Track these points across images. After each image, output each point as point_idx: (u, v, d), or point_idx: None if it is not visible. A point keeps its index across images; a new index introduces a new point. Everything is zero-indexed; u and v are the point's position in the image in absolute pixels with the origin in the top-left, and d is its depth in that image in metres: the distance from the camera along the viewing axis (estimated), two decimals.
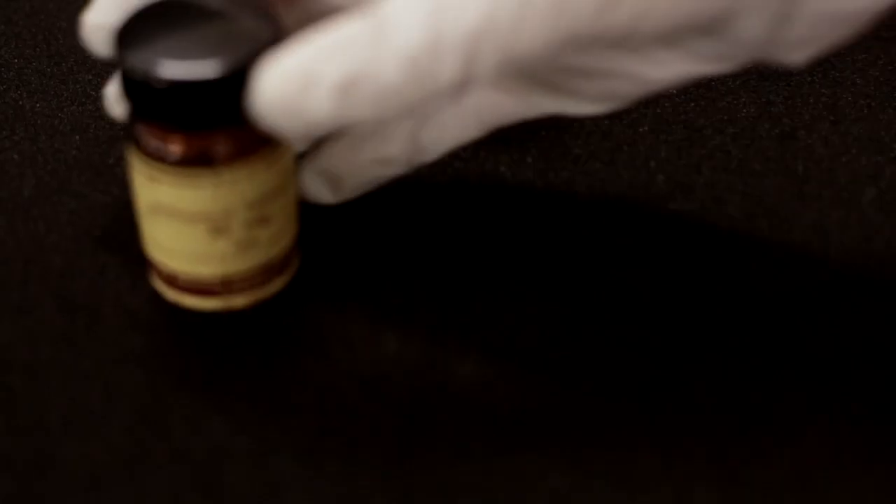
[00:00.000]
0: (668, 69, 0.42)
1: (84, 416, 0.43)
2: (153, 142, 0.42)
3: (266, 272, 0.46)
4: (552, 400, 0.43)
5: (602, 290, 0.47)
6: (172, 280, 0.46)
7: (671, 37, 0.40)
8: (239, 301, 0.46)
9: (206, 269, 0.45)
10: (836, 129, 0.54)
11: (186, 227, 0.43)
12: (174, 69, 0.40)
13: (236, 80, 0.40)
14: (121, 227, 0.50)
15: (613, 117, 0.54)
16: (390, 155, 0.48)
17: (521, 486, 0.41)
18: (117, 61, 0.41)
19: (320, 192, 0.49)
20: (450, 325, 0.46)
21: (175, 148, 0.42)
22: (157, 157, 0.42)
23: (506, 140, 0.53)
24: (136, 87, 0.40)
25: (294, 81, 0.37)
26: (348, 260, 0.49)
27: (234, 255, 0.44)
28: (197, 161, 0.42)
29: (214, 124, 0.41)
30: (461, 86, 0.37)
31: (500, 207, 0.51)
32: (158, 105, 0.40)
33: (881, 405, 0.43)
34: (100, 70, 0.59)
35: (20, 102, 0.56)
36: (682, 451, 0.41)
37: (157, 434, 0.43)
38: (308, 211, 0.51)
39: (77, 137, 0.55)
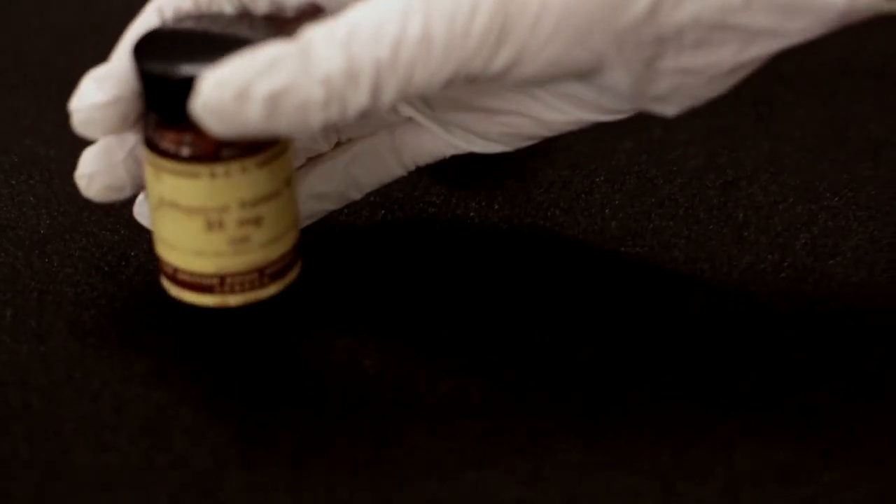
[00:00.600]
0: (561, 113, 0.50)
1: (94, 429, 0.49)
2: (165, 139, 0.47)
3: (261, 275, 0.49)
4: (517, 418, 0.49)
5: (561, 321, 0.53)
6: (174, 276, 0.50)
7: (551, 82, 0.47)
8: (233, 300, 0.49)
9: (202, 264, 0.48)
10: (776, 179, 0.60)
11: (185, 221, 0.48)
12: (186, 69, 0.45)
13: None
14: (127, 262, 0.56)
15: (574, 168, 0.60)
16: (326, 191, 0.54)
17: (488, 500, 0.46)
18: (137, 63, 0.46)
19: None
20: (424, 348, 0.51)
21: (183, 142, 0.47)
22: (165, 154, 0.47)
23: (475, 188, 0.59)
24: (154, 85, 0.46)
25: (229, 90, 0.43)
26: (332, 291, 0.54)
27: (229, 253, 0.48)
28: (199, 158, 0.47)
29: None
30: (371, 107, 0.44)
31: (469, 248, 0.56)
32: (171, 102, 0.46)
33: (809, 432, 0.48)
34: None
35: (36, 149, 0.62)
36: (629, 470, 0.47)
37: (159, 445, 0.48)
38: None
39: None
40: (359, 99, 0.43)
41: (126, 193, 0.51)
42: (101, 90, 0.48)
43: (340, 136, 0.54)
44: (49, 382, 0.51)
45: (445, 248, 0.56)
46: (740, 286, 0.54)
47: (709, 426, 0.48)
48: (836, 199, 0.58)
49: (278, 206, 0.48)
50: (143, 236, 0.57)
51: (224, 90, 0.43)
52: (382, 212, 0.58)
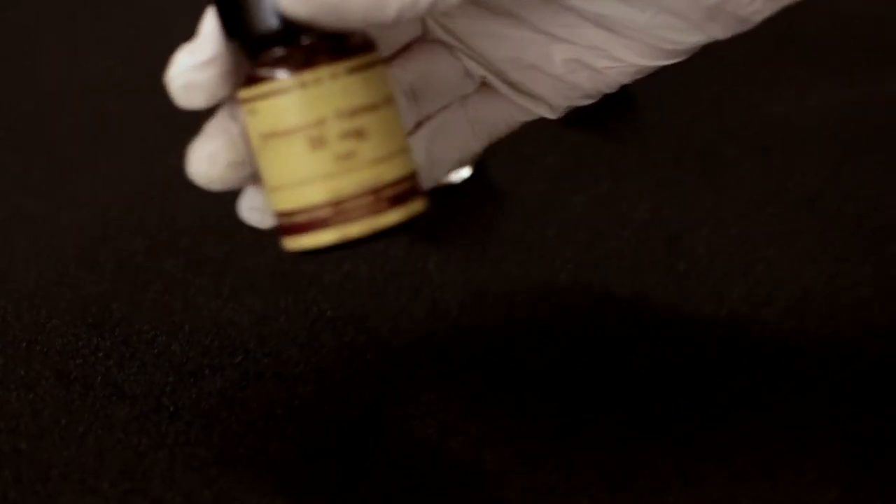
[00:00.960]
0: (622, 55, 0.51)
1: (78, 472, 0.53)
2: (251, 70, 0.46)
3: (377, 197, 0.46)
4: (477, 460, 0.53)
5: (511, 372, 0.57)
6: (290, 225, 0.47)
7: None
8: (354, 229, 0.46)
9: (313, 193, 0.46)
10: (716, 231, 0.64)
11: (286, 147, 0.46)
12: None
13: None
14: (111, 314, 0.60)
15: (526, 221, 0.64)
16: None
17: None
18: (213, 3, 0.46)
19: None
20: (385, 402, 0.56)
21: (268, 63, 0.46)
22: (253, 80, 0.46)
23: (434, 242, 0.63)
24: (227, 9, 0.46)
25: None
26: (287, 341, 0.58)
27: (337, 172, 0.46)
28: (287, 69, 0.45)
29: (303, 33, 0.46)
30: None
31: (428, 302, 0.60)
32: (245, 20, 0.45)
33: (736, 471, 0.52)
34: (95, 175, 0.68)
35: (22, 206, 0.66)
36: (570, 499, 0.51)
37: (137, 488, 0.52)
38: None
39: (72, 237, 0.64)
40: None
41: (247, 170, 0.49)
42: (196, 52, 0.47)
43: (419, 111, 0.54)
44: (37, 428, 0.55)
45: (404, 302, 0.60)
46: (679, 335, 0.58)
47: (642, 467, 0.52)
48: (772, 249, 0.63)
49: (381, 122, 0.46)
50: (125, 289, 0.61)
51: None
52: (346, 266, 0.62)
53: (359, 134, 0.46)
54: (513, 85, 0.54)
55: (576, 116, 0.71)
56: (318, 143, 0.45)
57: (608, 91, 0.53)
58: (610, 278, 0.61)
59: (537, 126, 0.71)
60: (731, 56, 0.75)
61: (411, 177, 0.47)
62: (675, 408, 0.55)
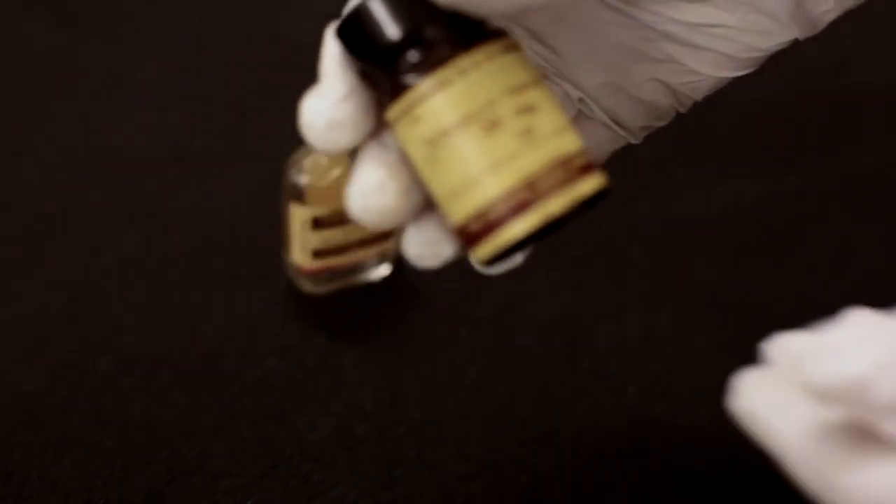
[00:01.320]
0: (700, 69, 0.51)
1: None
2: (399, 79, 0.44)
3: (568, 168, 0.44)
4: None
5: (421, 461, 0.61)
6: (480, 229, 0.44)
7: None
8: (556, 204, 0.44)
9: (504, 180, 0.43)
10: (618, 328, 0.68)
11: (463, 141, 0.44)
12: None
13: None
14: (47, 410, 0.63)
15: (439, 320, 0.68)
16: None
17: None
18: (340, 34, 0.45)
19: None
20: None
21: (417, 65, 0.44)
22: (408, 87, 0.44)
23: (353, 338, 0.67)
24: (357, 30, 0.44)
25: None
26: (221, 436, 0.63)
27: (521, 149, 0.43)
28: (441, 62, 0.44)
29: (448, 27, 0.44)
30: None
31: (344, 395, 0.65)
32: (380, 35, 0.44)
33: None
34: (34, 274, 0.72)
35: None
36: None
37: None
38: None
39: (11, 335, 0.68)
40: None
41: (416, 198, 0.47)
42: (329, 92, 0.46)
43: None
44: None
45: (323, 398, 0.64)
46: (577, 431, 0.63)
47: None
48: (669, 347, 0.67)
49: (546, 95, 0.45)
50: (62, 385, 0.65)
51: None
52: (272, 361, 0.66)
53: (531, 108, 0.44)
54: (604, 109, 0.52)
55: None
56: (493, 125, 0.43)
57: (682, 110, 0.52)
58: (516, 375, 0.66)
59: None
60: (644, 155, 0.79)
61: (587, 150, 0.45)
62: (574, 501, 0.59)
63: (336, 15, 0.88)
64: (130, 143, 0.79)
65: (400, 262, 0.72)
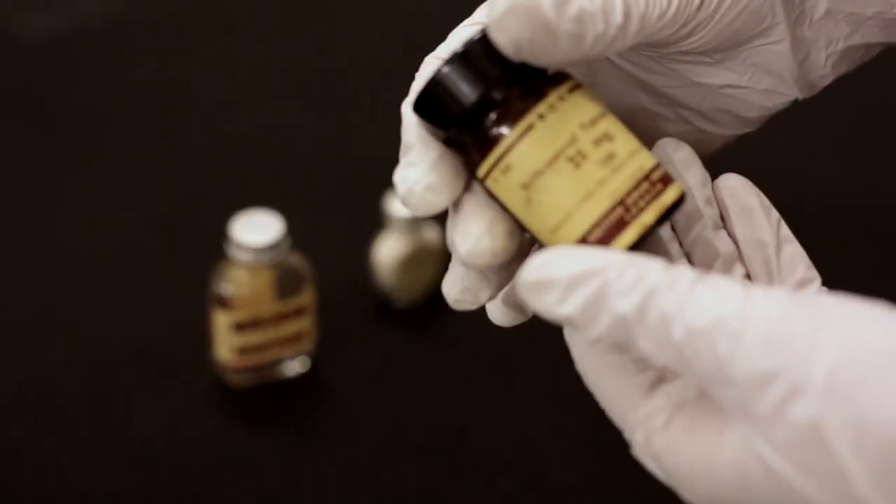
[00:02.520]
0: (720, 118, 0.54)
1: None
2: (486, 137, 0.47)
3: (650, 181, 0.47)
4: None
5: None
6: (608, 231, 0.47)
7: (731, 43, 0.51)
8: (648, 216, 0.46)
9: (597, 205, 0.46)
10: (498, 427, 0.78)
11: (552, 178, 0.46)
12: (447, 70, 0.46)
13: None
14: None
15: (344, 417, 0.78)
16: None
17: None
18: (420, 110, 0.47)
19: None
20: None
21: (499, 120, 0.47)
22: (497, 140, 0.47)
23: (265, 431, 0.77)
24: (439, 102, 0.47)
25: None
26: None
27: (607, 174, 0.46)
28: (520, 113, 0.47)
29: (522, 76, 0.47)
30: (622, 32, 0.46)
31: (255, 481, 0.74)
32: (463, 101, 0.46)
33: None
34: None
35: None
36: None
37: None
38: None
39: None
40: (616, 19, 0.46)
41: (518, 240, 0.49)
42: (420, 160, 0.48)
43: None
44: None
45: (234, 483, 0.74)
46: None
47: None
48: (544, 445, 0.77)
49: (616, 123, 0.48)
50: (6, 465, 0.74)
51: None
52: (196, 447, 0.76)
53: (607, 136, 0.47)
54: None
55: (397, 318, 0.85)
56: (579, 158, 0.46)
57: (710, 153, 0.54)
58: (405, 468, 0.75)
59: (366, 329, 0.84)
60: None
61: (660, 164, 0.48)
62: None
63: (273, 123, 0.98)
64: (80, 242, 0.88)
65: (315, 363, 0.81)
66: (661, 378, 0.46)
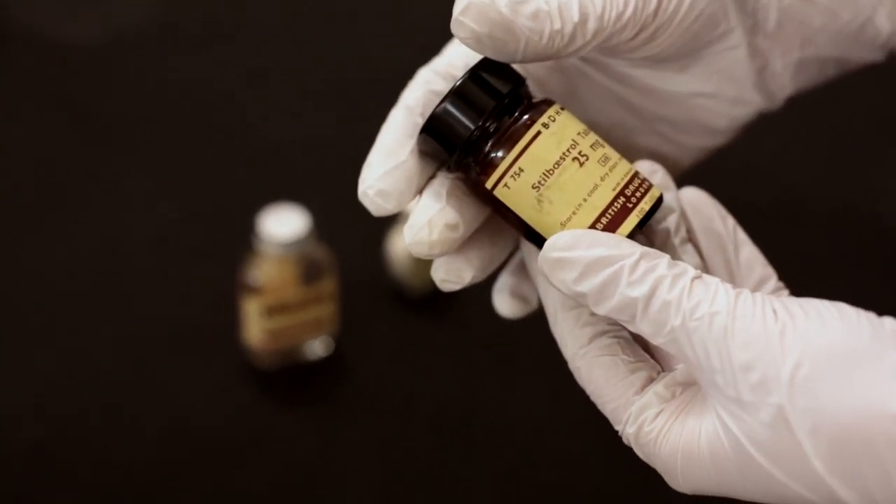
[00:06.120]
0: (691, 138, 0.58)
1: None
2: (494, 156, 0.51)
3: (640, 178, 0.51)
4: None
5: None
6: (614, 219, 0.51)
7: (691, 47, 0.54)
8: (646, 204, 0.51)
9: (603, 194, 0.51)
10: (514, 403, 0.85)
11: (562, 175, 0.51)
12: (447, 103, 0.51)
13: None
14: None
15: (364, 394, 0.85)
16: None
17: None
18: (425, 133, 0.51)
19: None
20: None
21: (502, 135, 0.51)
22: (504, 155, 0.51)
23: (293, 405, 0.84)
24: (444, 129, 0.51)
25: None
26: None
27: (608, 172, 0.51)
28: (526, 126, 0.51)
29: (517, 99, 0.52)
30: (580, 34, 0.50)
31: (277, 450, 0.81)
32: (463, 127, 0.51)
33: None
34: None
35: None
36: None
37: None
38: None
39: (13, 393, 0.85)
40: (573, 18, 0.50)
41: (458, 234, 0.52)
42: (376, 161, 0.52)
43: None
44: None
45: (265, 451, 0.81)
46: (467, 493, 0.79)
47: None
48: (555, 426, 0.83)
49: (601, 136, 0.53)
50: None
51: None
52: (227, 420, 0.83)
53: (599, 143, 0.51)
54: None
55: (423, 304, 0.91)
56: (582, 158, 0.51)
57: (675, 173, 0.57)
58: (418, 440, 0.82)
59: (383, 314, 0.90)
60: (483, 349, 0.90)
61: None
62: None
63: (301, 125, 1.04)
64: (123, 233, 0.95)
65: (338, 343, 0.88)
66: (650, 378, 0.50)
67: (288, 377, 0.86)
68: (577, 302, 0.50)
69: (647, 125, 0.57)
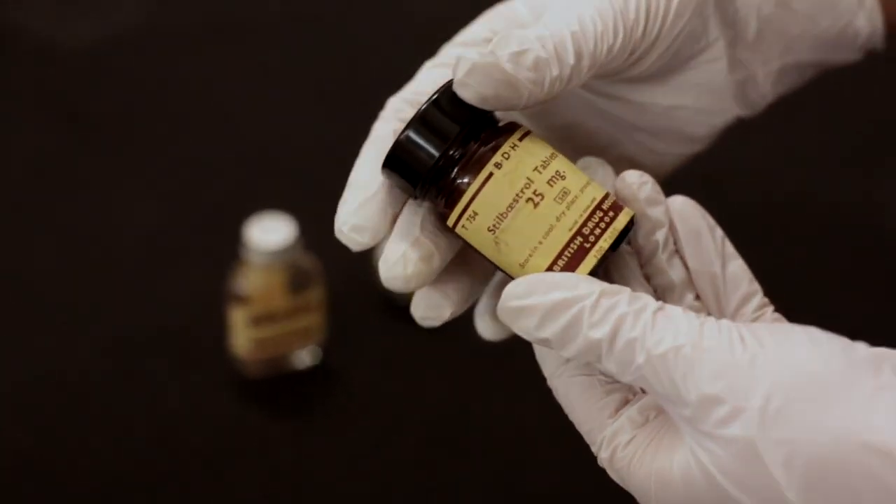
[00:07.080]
0: (665, 147, 0.57)
1: None
2: (452, 191, 0.50)
3: (604, 210, 0.50)
4: None
5: None
6: (571, 260, 0.50)
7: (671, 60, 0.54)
8: (605, 242, 0.50)
9: (558, 236, 0.50)
10: (502, 410, 0.85)
11: (515, 219, 0.50)
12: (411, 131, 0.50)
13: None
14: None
15: (351, 402, 0.85)
16: None
17: None
18: (388, 166, 0.50)
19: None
20: None
21: (461, 173, 0.50)
22: (460, 193, 0.50)
23: (281, 415, 0.84)
24: (405, 159, 0.50)
25: (490, 56, 0.49)
26: None
27: (565, 210, 0.50)
28: (478, 167, 0.50)
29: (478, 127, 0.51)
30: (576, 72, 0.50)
31: (265, 458, 0.81)
32: (425, 158, 0.50)
33: None
34: None
35: None
36: None
37: None
38: None
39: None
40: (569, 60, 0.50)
41: (432, 268, 0.52)
42: (350, 196, 0.52)
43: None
44: None
45: (252, 460, 0.81)
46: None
47: None
48: (542, 432, 0.83)
49: (566, 163, 0.51)
50: None
51: (486, 57, 0.49)
52: (213, 430, 0.83)
53: (559, 175, 0.50)
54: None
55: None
56: (536, 198, 0.50)
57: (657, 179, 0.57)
58: (408, 448, 0.82)
59: (371, 322, 0.90)
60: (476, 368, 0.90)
61: (610, 193, 0.52)
62: None
63: (290, 131, 1.04)
64: (111, 238, 0.95)
65: (326, 352, 0.88)
66: (625, 400, 0.50)
67: (276, 386, 0.86)
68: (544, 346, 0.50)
69: (626, 135, 0.57)
